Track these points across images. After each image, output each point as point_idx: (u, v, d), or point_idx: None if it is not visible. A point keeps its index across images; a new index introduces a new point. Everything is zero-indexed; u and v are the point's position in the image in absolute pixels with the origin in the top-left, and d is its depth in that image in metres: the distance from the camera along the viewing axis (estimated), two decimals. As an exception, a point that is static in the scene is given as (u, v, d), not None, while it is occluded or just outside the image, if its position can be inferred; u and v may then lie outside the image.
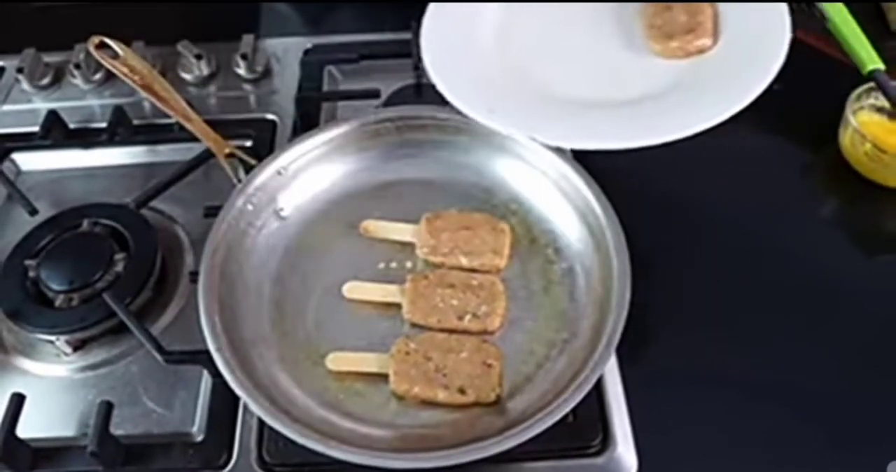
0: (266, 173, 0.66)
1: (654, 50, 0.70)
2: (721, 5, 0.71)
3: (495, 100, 0.67)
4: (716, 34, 0.69)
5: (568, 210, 0.65)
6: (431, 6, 0.74)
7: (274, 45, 0.88)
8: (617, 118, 0.66)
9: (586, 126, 0.65)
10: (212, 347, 0.57)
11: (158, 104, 0.72)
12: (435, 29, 0.73)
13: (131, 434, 0.60)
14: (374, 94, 0.79)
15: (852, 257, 0.70)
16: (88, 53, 0.77)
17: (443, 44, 0.72)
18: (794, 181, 0.76)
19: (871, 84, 0.74)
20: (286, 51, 0.87)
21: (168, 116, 0.73)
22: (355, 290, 0.63)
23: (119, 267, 0.67)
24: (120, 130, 0.78)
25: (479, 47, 0.73)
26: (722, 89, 0.65)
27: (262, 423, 0.58)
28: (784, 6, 0.69)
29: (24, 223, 0.72)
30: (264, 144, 0.78)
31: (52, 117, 0.78)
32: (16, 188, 0.74)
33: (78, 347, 0.65)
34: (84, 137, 0.79)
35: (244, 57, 0.84)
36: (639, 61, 0.71)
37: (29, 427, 0.59)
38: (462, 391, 0.57)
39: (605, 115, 0.66)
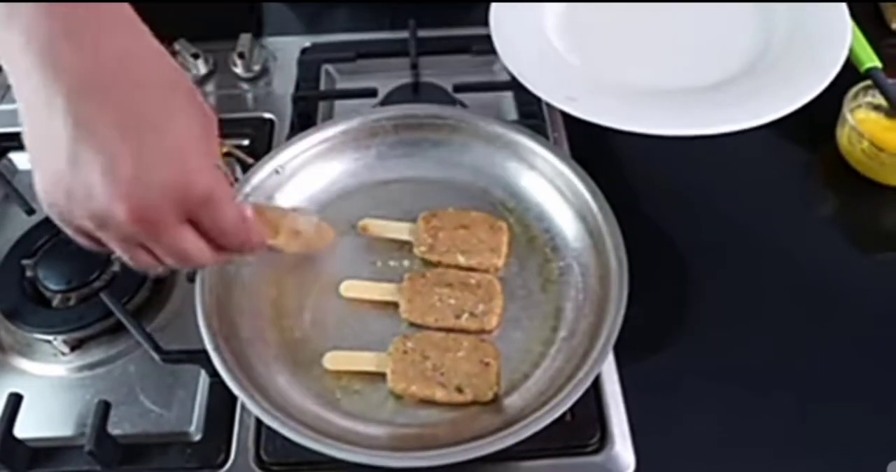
0: (263, 172, 0.66)
1: None
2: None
3: (572, 87, 0.67)
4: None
5: (565, 209, 0.65)
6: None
7: (271, 43, 0.88)
8: (696, 105, 0.66)
9: (664, 113, 0.65)
10: (209, 346, 0.57)
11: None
12: (503, 19, 0.74)
13: (129, 434, 0.60)
14: (371, 92, 0.79)
15: (850, 255, 0.70)
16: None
17: (513, 33, 0.73)
18: (792, 179, 0.76)
19: (869, 82, 0.74)
20: (283, 50, 0.87)
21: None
22: (352, 288, 0.63)
23: (116, 266, 0.67)
24: (117, 129, 0.78)
25: (548, 35, 0.74)
26: (791, 79, 0.66)
27: (259, 422, 0.58)
28: (844, 6, 0.71)
29: (21, 223, 0.71)
30: (261, 142, 0.77)
31: (49, 117, 0.78)
32: (13, 187, 0.74)
33: (75, 346, 0.65)
34: (81, 137, 0.78)
35: (241, 56, 0.84)
36: (709, 48, 0.73)
37: (26, 427, 0.59)
38: (460, 390, 0.57)
39: (682, 101, 0.67)
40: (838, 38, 0.68)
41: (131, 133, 0.43)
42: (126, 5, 0.45)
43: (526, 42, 0.72)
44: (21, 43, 0.42)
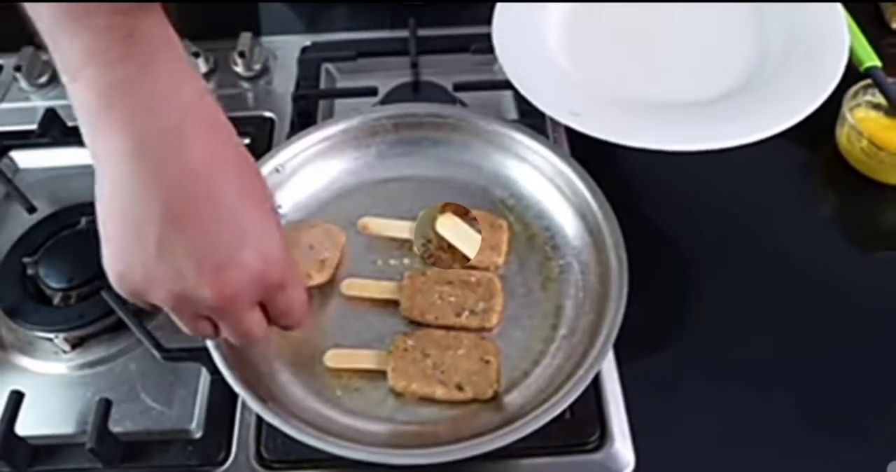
0: (264, 171, 0.66)
1: None
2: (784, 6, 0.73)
3: (575, 101, 0.67)
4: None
5: (565, 207, 0.66)
6: (499, 6, 0.75)
7: (272, 42, 0.88)
8: (697, 120, 0.66)
9: (666, 128, 0.65)
10: (210, 344, 0.57)
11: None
12: (506, 33, 0.73)
13: (130, 431, 0.60)
14: (371, 91, 0.79)
15: (850, 254, 0.70)
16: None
17: (516, 48, 0.72)
18: (791, 179, 0.76)
19: (868, 81, 0.74)
20: (284, 48, 0.87)
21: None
22: (353, 286, 0.63)
23: (117, 265, 0.67)
24: (118, 127, 0.78)
25: (550, 47, 0.74)
26: (790, 94, 0.66)
27: (260, 420, 0.58)
28: (839, 6, 0.71)
29: (22, 221, 0.72)
30: (262, 141, 0.78)
31: (51, 115, 0.78)
32: (14, 186, 0.74)
33: (76, 344, 0.65)
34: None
35: (242, 55, 0.84)
36: (707, 62, 0.73)
37: (28, 425, 0.59)
38: (460, 388, 0.57)
39: (684, 116, 0.67)
40: (836, 50, 0.68)
41: (221, 223, 0.46)
42: (220, 111, 0.48)
43: (529, 57, 0.72)
44: (115, 140, 0.45)
